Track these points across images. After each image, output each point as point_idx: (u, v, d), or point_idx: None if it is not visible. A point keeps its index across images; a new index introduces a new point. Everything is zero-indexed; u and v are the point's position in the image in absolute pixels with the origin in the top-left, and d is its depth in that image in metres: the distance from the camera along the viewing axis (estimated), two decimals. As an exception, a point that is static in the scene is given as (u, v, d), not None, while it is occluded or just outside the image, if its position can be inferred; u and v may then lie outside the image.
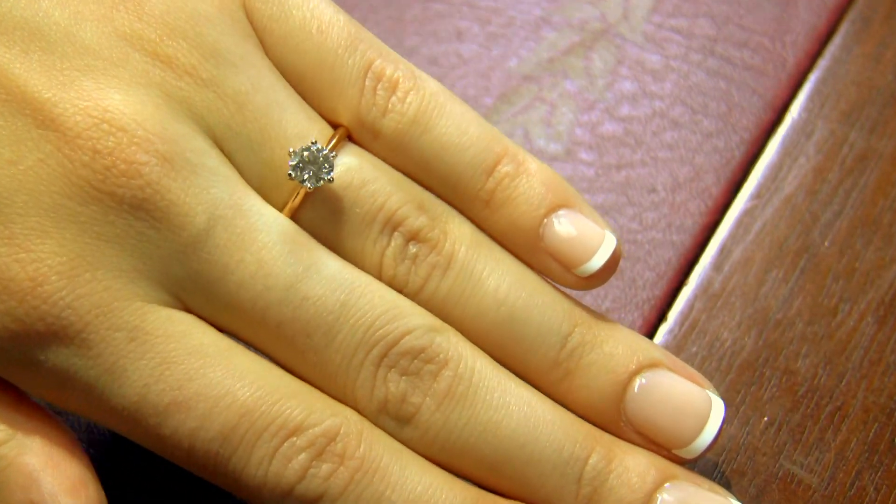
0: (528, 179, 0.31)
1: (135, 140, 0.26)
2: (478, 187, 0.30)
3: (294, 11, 0.30)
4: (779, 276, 0.37)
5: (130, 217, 0.27)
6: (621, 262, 0.37)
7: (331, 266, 0.28)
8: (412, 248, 0.29)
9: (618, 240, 0.31)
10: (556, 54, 0.41)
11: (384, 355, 0.28)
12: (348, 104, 0.30)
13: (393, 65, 0.30)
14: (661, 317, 0.37)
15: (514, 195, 0.30)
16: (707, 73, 0.41)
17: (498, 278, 0.30)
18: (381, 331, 0.28)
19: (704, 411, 0.30)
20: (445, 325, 0.29)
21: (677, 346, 0.37)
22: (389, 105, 0.30)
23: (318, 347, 0.28)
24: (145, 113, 0.27)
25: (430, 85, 0.30)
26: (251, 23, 0.29)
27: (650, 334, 0.37)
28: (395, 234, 0.29)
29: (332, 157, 0.28)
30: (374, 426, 0.28)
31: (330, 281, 0.28)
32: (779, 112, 0.41)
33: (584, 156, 0.40)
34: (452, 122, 0.30)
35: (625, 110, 0.41)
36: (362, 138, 0.30)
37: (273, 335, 0.28)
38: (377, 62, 0.30)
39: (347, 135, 0.30)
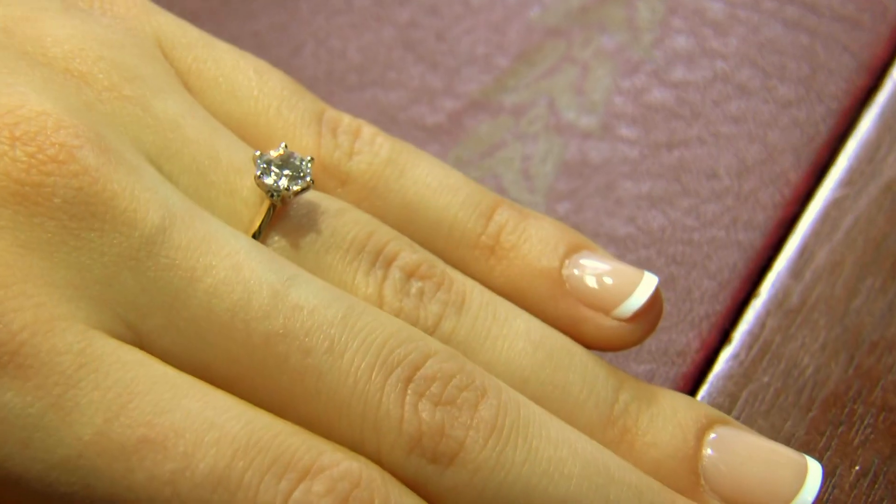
0: (537, 221, 0.31)
1: (62, 124, 0.26)
2: (478, 232, 0.31)
3: (225, 55, 0.31)
4: (875, 286, 0.36)
5: (63, 215, 0.26)
6: (673, 269, 0.36)
7: (318, 279, 0.28)
8: (416, 284, 0.29)
9: (658, 280, 0.31)
10: (589, 2, 0.41)
11: (410, 378, 0.27)
12: (304, 148, 0.30)
13: (348, 116, 0.32)
14: (724, 337, 0.36)
15: (524, 237, 0.31)
16: (784, 26, 0.40)
17: (527, 321, 0.30)
18: (399, 349, 0.27)
19: (800, 466, 0.29)
20: (469, 360, 0.28)
21: (744, 375, 0.35)
22: (356, 147, 0.31)
23: (320, 369, 0.26)
24: (66, 108, 0.27)
25: (385, 136, 0.32)
26: (171, 63, 0.30)
27: (710, 359, 0.36)
28: (392, 268, 0.29)
29: (308, 161, 0.29)
30: (393, 480, 0.27)
31: (323, 292, 0.27)
32: (876, 75, 0.40)
33: (625, 131, 0.39)
34: (433, 164, 0.31)
35: (678, 73, 0.40)
36: (325, 186, 0.30)
37: (259, 360, 0.26)
38: (329, 112, 0.31)
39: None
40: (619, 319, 0.31)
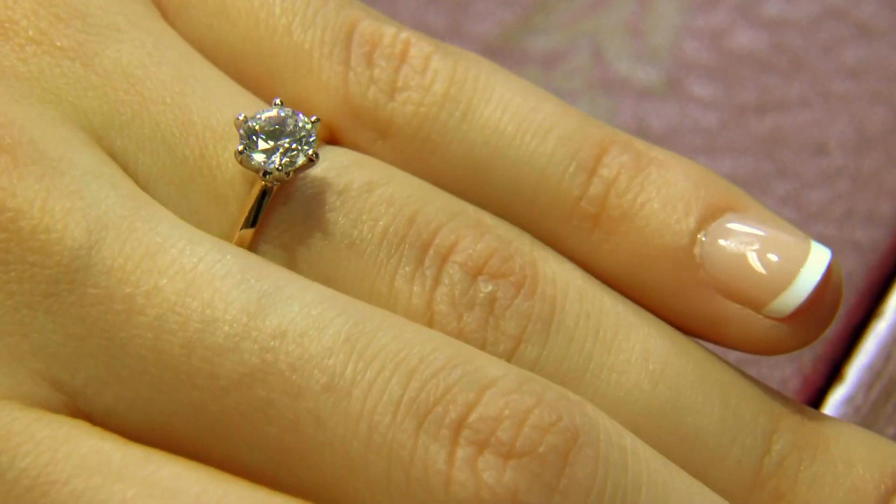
0: (662, 171, 0.28)
1: None
2: (576, 194, 0.27)
3: None
4: None
5: None
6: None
7: (315, 289, 0.25)
8: (485, 287, 0.26)
9: (832, 253, 0.28)
10: None
11: (459, 423, 0.24)
12: (325, 84, 0.27)
13: (391, 24, 0.28)
14: (835, 373, 0.34)
15: (641, 200, 0.27)
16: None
17: (644, 339, 0.27)
18: (436, 378, 0.24)
19: None
20: (560, 387, 0.26)
21: (862, 424, 0.32)
22: (400, 79, 0.27)
23: (318, 414, 0.24)
24: None
25: (459, 49, 0.28)
26: None
27: (814, 402, 0.34)
28: (448, 265, 0.26)
29: (314, 122, 0.26)
30: None
31: (318, 306, 0.25)
32: None
33: (698, 90, 0.37)
34: (514, 92, 0.28)
35: (773, 8, 0.37)
36: (357, 140, 0.28)
37: (232, 409, 0.25)
38: (365, 21, 0.28)
39: (326, 138, 0.28)
40: (775, 319, 0.27)
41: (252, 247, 0.27)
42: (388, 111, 0.28)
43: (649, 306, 0.28)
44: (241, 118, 0.26)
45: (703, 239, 0.28)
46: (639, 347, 0.27)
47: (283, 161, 0.26)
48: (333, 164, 0.27)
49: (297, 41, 0.28)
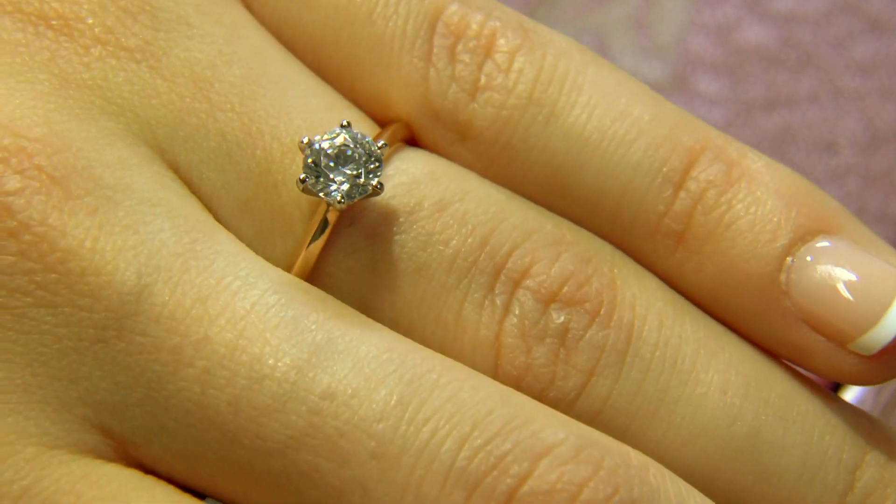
0: (753, 187, 0.26)
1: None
2: (660, 209, 0.26)
3: None
4: None
5: (2, 292, 0.24)
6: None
7: (372, 340, 0.24)
8: (559, 317, 0.25)
9: None
10: None
11: (510, 498, 0.23)
12: (405, 79, 0.26)
13: (479, 10, 0.27)
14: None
15: (728, 218, 0.26)
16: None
17: (723, 370, 0.26)
18: (488, 448, 0.24)
19: None
20: (624, 447, 0.25)
21: None
22: (483, 77, 0.26)
23: (365, 483, 0.24)
24: (19, 108, 0.24)
25: (554, 38, 0.27)
26: None
27: None
28: (520, 290, 0.25)
29: (381, 147, 0.25)
30: None
31: (372, 362, 0.24)
32: None
33: (704, 85, 0.37)
34: (601, 97, 0.26)
35: (781, 2, 0.37)
36: (437, 140, 0.26)
37: (278, 472, 0.24)
38: (452, 6, 0.26)
39: (406, 136, 0.26)
40: (862, 355, 0.26)
41: (315, 269, 0.26)
42: (469, 113, 0.26)
43: (732, 327, 0.27)
44: (304, 142, 0.25)
45: (791, 263, 0.27)
46: (717, 379, 0.26)
47: (347, 190, 0.25)
48: (405, 179, 0.26)
49: (378, 31, 0.26)
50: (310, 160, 0.25)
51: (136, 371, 0.24)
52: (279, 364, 0.24)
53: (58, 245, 0.24)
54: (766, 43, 0.37)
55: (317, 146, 0.25)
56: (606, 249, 0.27)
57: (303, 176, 0.25)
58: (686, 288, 0.27)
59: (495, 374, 0.26)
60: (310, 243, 0.26)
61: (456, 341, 0.26)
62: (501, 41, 0.27)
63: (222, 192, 0.25)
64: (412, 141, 0.27)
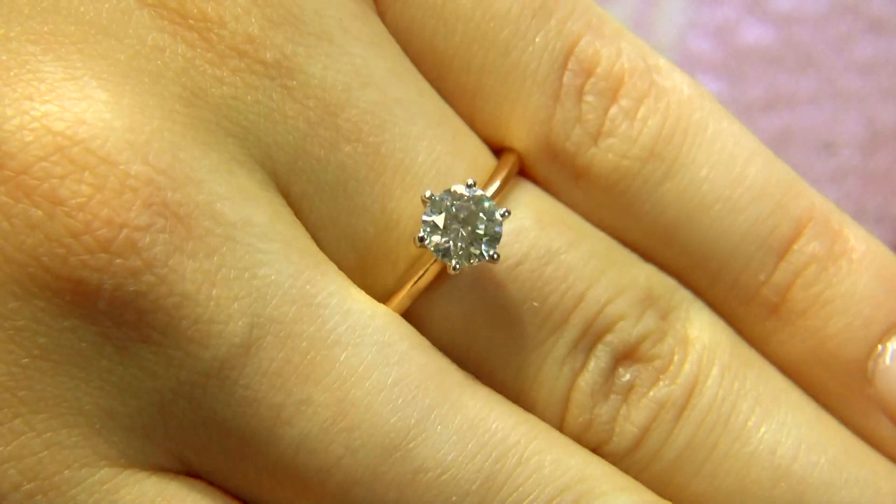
0: (854, 267, 0.27)
1: (129, 182, 0.23)
2: (759, 279, 0.27)
3: None
4: None
5: (108, 322, 0.23)
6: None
7: (467, 406, 0.25)
8: (625, 374, 0.26)
9: None
10: None
11: None
12: (530, 116, 0.26)
13: (611, 44, 0.27)
14: None
15: (826, 297, 0.27)
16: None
17: (777, 429, 0.26)
18: None
19: None
20: None
21: None
22: (607, 122, 0.26)
23: None
24: (148, 128, 0.24)
25: (677, 84, 0.27)
26: None
27: None
28: (600, 346, 0.26)
29: (503, 215, 0.25)
30: None
31: (464, 436, 0.25)
32: None
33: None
34: (719, 156, 0.26)
35: (781, 2, 0.37)
36: (549, 177, 0.27)
37: None
38: (585, 39, 0.26)
39: (520, 164, 0.27)
40: None
41: (411, 309, 0.26)
42: (589, 157, 0.27)
43: (810, 395, 0.28)
44: (427, 196, 0.25)
45: (881, 352, 0.27)
46: (768, 438, 0.27)
47: (464, 256, 0.26)
48: (513, 226, 0.26)
49: (511, 62, 0.27)
50: (430, 217, 0.25)
51: (230, 421, 0.24)
52: (376, 439, 0.24)
53: (175, 289, 0.24)
54: (765, 43, 0.37)
55: (438, 202, 0.25)
56: (686, 300, 0.27)
57: (421, 235, 0.25)
58: (771, 354, 0.27)
59: (560, 426, 0.26)
60: (412, 286, 0.26)
61: (531, 393, 0.26)
62: (628, 85, 0.27)
63: (329, 225, 0.26)
64: (522, 172, 0.27)
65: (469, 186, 0.25)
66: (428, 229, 0.25)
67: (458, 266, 0.25)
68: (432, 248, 0.25)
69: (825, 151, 0.36)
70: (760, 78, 0.37)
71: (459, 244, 0.26)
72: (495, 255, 0.25)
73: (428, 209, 0.25)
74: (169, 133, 0.24)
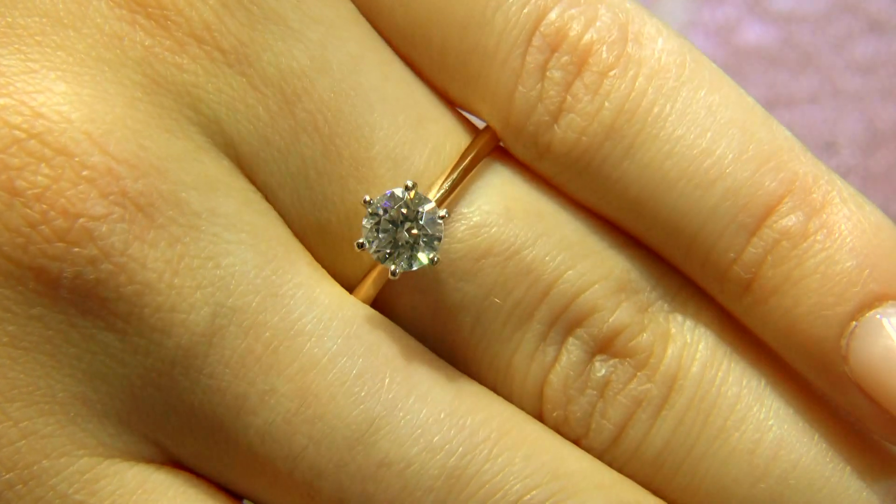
0: (828, 243, 0.25)
1: (85, 172, 0.23)
2: (730, 256, 0.25)
3: None
4: None
5: (73, 310, 0.23)
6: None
7: (435, 398, 0.25)
8: (601, 369, 0.25)
9: None
10: None
11: None
12: (492, 95, 0.25)
13: (585, 13, 0.26)
14: None
15: (797, 275, 0.25)
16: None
17: (757, 427, 0.26)
18: None
19: None
20: None
21: None
22: (569, 97, 0.25)
23: None
24: (109, 118, 0.23)
25: (655, 51, 0.26)
26: None
27: None
28: (570, 339, 0.25)
29: (442, 217, 0.25)
30: None
31: (430, 430, 0.24)
32: None
33: None
34: (686, 130, 0.25)
35: (781, 2, 0.38)
36: (518, 153, 0.26)
37: None
38: (556, 9, 0.25)
39: (493, 145, 0.26)
40: None
41: (379, 300, 0.26)
42: (549, 136, 0.26)
43: (788, 383, 0.27)
44: (366, 200, 0.25)
45: (855, 328, 0.26)
46: (747, 437, 0.26)
47: (400, 258, 0.25)
48: (478, 219, 0.26)
49: (471, 42, 0.26)
50: (369, 221, 0.25)
51: (197, 409, 0.24)
52: (340, 429, 0.24)
53: (136, 277, 0.23)
54: (766, 43, 0.38)
55: (378, 207, 0.25)
56: (670, 292, 0.26)
57: (361, 241, 0.25)
58: (749, 332, 0.27)
59: (540, 418, 0.26)
60: (376, 276, 0.25)
61: (505, 387, 0.26)
62: (595, 57, 0.26)
63: (294, 215, 0.25)
64: (498, 148, 0.27)
65: (408, 189, 0.25)
66: (367, 234, 0.25)
67: (396, 271, 0.25)
68: (372, 253, 0.25)
69: (825, 151, 0.37)
70: (761, 77, 0.38)
71: (398, 248, 0.25)
72: (435, 259, 0.25)
73: (367, 213, 0.25)
74: (132, 121, 0.24)
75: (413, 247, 0.25)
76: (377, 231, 0.25)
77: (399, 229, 0.25)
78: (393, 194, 0.25)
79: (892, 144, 0.37)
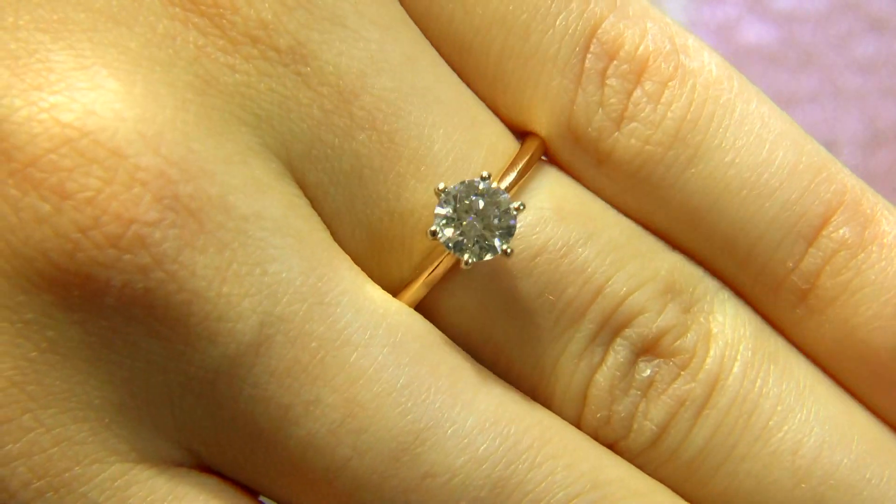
0: (883, 255, 0.26)
1: (139, 175, 0.22)
2: (788, 266, 0.25)
3: None
4: None
5: (117, 317, 0.23)
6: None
7: (480, 407, 0.24)
8: (646, 369, 0.25)
9: None
10: None
11: None
12: (552, 101, 0.25)
13: (636, 25, 0.26)
14: None
15: (854, 286, 0.25)
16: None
17: (799, 427, 0.26)
18: None
19: None
20: None
21: None
22: (630, 106, 0.25)
23: None
24: (160, 118, 0.23)
25: (705, 64, 0.26)
26: None
27: None
28: (618, 340, 0.25)
29: (517, 209, 0.25)
30: None
31: (476, 439, 0.24)
32: None
33: None
34: (745, 140, 0.25)
35: (782, 1, 0.38)
36: (573, 162, 0.26)
37: None
38: (609, 21, 0.25)
39: (541, 155, 0.26)
40: None
41: (426, 300, 0.25)
42: (612, 142, 0.26)
43: (844, 388, 0.27)
44: (440, 188, 0.25)
45: None
46: (790, 438, 0.26)
47: (475, 248, 0.25)
48: (531, 218, 0.26)
49: (531, 46, 0.26)
50: (441, 211, 0.25)
51: (238, 418, 0.24)
52: (386, 441, 0.24)
53: (186, 286, 0.23)
54: (766, 42, 0.38)
55: (451, 193, 0.25)
56: (710, 293, 0.26)
57: (434, 228, 0.25)
58: (801, 343, 0.27)
59: (578, 422, 0.26)
60: (427, 276, 0.25)
61: (548, 387, 0.26)
62: (653, 68, 0.26)
63: (345, 214, 0.25)
64: (546, 155, 0.27)
65: (483, 179, 0.25)
66: (441, 222, 0.25)
67: (470, 260, 0.25)
68: (445, 242, 0.25)
69: (827, 150, 0.36)
70: (761, 77, 0.37)
71: (472, 238, 0.25)
72: (508, 250, 0.25)
73: (441, 202, 0.25)
74: (182, 123, 0.23)
75: (485, 238, 0.25)
76: (451, 221, 0.25)
77: (476, 219, 0.25)
78: (470, 183, 0.25)
79: (892, 144, 0.37)
